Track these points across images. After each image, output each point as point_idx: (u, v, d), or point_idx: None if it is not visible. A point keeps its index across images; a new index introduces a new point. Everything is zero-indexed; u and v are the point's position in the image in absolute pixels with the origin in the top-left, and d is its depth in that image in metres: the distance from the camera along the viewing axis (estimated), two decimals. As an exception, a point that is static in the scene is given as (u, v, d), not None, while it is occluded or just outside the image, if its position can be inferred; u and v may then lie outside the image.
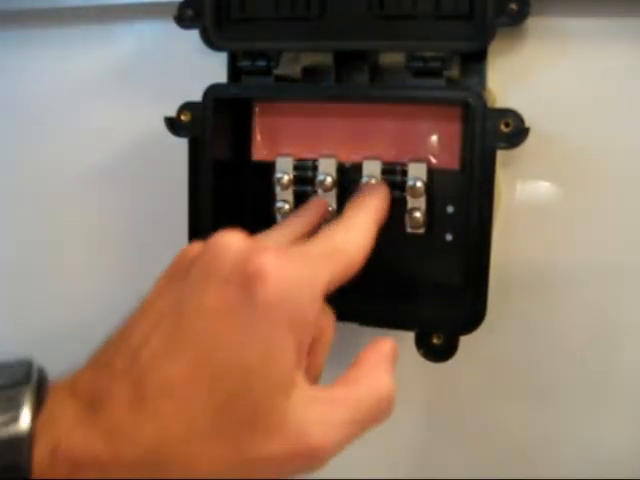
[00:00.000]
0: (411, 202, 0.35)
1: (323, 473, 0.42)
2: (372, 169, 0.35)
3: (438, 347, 0.34)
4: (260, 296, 0.23)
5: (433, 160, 0.35)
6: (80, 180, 0.46)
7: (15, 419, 0.22)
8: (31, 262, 0.48)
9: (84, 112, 0.45)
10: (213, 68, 0.38)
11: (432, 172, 0.35)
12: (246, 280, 0.24)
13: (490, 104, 0.32)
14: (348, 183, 0.36)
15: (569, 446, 0.37)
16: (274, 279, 0.23)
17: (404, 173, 0.35)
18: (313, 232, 0.33)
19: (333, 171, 0.36)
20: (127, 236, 0.45)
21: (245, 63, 0.36)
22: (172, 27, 0.36)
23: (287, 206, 0.37)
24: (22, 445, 0.21)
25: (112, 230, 0.45)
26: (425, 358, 0.34)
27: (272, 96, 0.37)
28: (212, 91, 0.35)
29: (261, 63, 0.36)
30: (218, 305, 0.23)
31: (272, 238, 0.31)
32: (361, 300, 0.34)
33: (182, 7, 0.36)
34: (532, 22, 0.33)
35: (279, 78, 0.36)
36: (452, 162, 0.35)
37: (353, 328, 0.34)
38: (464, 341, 0.34)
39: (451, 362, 0.34)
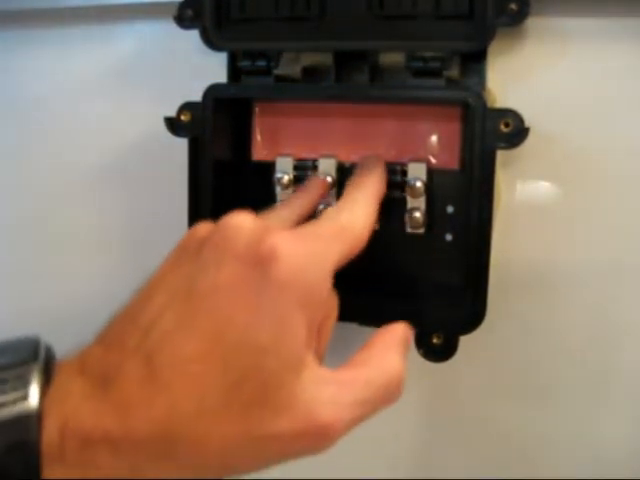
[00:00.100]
0: (411, 202, 0.35)
1: (324, 473, 0.42)
2: (372, 169, 0.35)
3: (438, 347, 0.34)
4: (273, 275, 0.24)
5: (433, 160, 0.35)
6: (80, 180, 0.46)
7: (24, 397, 0.22)
8: (31, 262, 0.48)
9: (84, 112, 0.45)
10: (213, 68, 0.38)
11: (432, 172, 0.35)
12: (259, 260, 0.24)
13: (490, 104, 0.32)
14: (348, 183, 0.36)
15: (569, 446, 0.37)
16: (286, 259, 0.24)
17: (404, 173, 0.35)
18: (314, 211, 0.33)
19: (333, 171, 0.36)
20: (127, 236, 0.45)
21: (245, 63, 0.36)
22: (172, 27, 0.36)
23: (287, 206, 0.37)
24: (31, 422, 0.21)
25: (112, 230, 0.45)
26: (425, 358, 0.34)
27: (272, 96, 0.37)
28: (212, 91, 0.35)
29: (261, 63, 0.36)
30: (231, 283, 0.24)
31: (275, 218, 0.31)
32: (361, 300, 0.34)
33: (182, 7, 0.36)
34: (532, 22, 0.33)
35: (279, 78, 0.36)
36: (452, 162, 0.35)
37: (353, 328, 0.34)
38: (464, 341, 0.34)
39: (451, 362, 0.34)
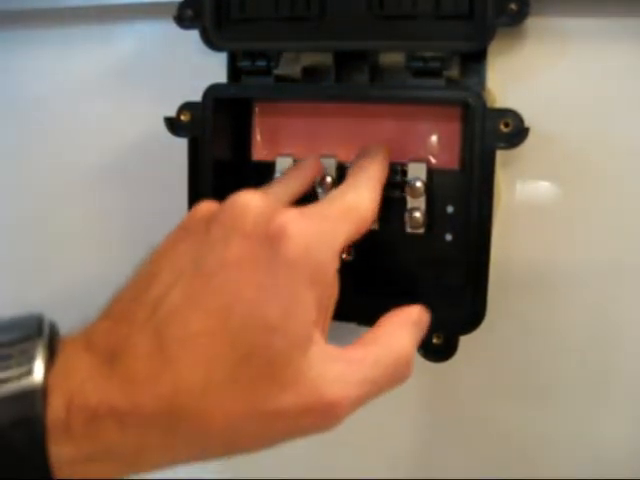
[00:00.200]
0: (411, 202, 0.35)
1: (324, 473, 0.42)
2: (372, 169, 0.35)
3: (438, 347, 0.34)
4: (282, 253, 0.24)
5: (433, 160, 0.35)
6: (80, 180, 0.46)
7: (28, 372, 0.22)
8: (31, 262, 0.48)
9: (84, 112, 0.45)
10: (213, 68, 0.38)
11: (432, 172, 0.35)
12: (268, 237, 0.24)
13: (490, 104, 0.32)
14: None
15: (569, 446, 0.37)
16: (296, 237, 0.24)
17: (404, 173, 0.35)
18: (307, 191, 0.33)
19: (333, 171, 0.36)
20: (127, 236, 0.45)
21: (245, 63, 0.36)
22: (172, 27, 0.36)
23: (287, 206, 0.37)
24: (36, 397, 0.21)
25: (112, 230, 0.45)
26: (425, 358, 0.34)
27: (272, 96, 0.37)
28: (212, 91, 0.35)
29: (261, 63, 0.36)
30: (240, 260, 0.24)
31: (272, 195, 0.31)
32: (361, 300, 0.34)
33: (182, 7, 0.36)
34: (532, 22, 0.33)
35: (279, 78, 0.36)
36: (452, 162, 0.35)
37: (352, 328, 0.34)
38: (464, 341, 0.34)
39: (451, 362, 0.34)
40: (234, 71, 0.38)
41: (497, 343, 0.37)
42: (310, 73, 0.37)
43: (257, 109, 0.39)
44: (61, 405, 0.21)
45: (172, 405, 0.22)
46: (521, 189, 0.36)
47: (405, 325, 0.27)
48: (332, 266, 0.25)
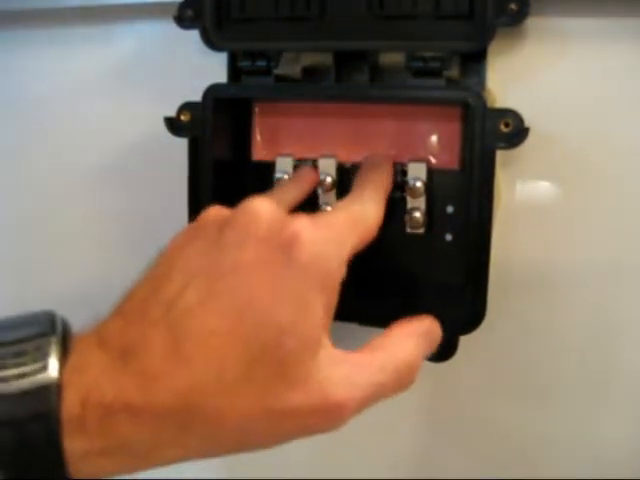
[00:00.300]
0: (411, 202, 0.35)
1: (324, 473, 0.42)
2: (372, 169, 0.35)
3: (438, 347, 0.34)
4: (294, 258, 0.25)
5: (433, 160, 0.35)
6: (80, 180, 0.46)
7: (44, 368, 0.22)
8: (31, 262, 0.48)
9: (84, 112, 0.45)
10: (213, 68, 0.38)
11: (432, 172, 0.35)
12: (281, 243, 0.25)
13: (490, 104, 0.32)
14: (348, 183, 0.36)
15: (569, 446, 0.37)
16: (308, 244, 0.25)
17: (404, 173, 0.35)
18: (305, 199, 0.35)
19: (333, 171, 0.36)
20: (127, 236, 0.45)
21: (245, 63, 0.36)
22: (172, 27, 0.36)
23: (287, 206, 0.37)
24: (51, 393, 0.22)
25: (112, 230, 0.45)
26: (425, 358, 0.34)
27: (272, 96, 0.37)
28: (212, 91, 0.35)
29: (261, 63, 0.36)
30: (255, 262, 0.25)
31: (279, 201, 0.31)
32: (361, 300, 0.34)
33: (182, 7, 0.36)
34: (532, 22, 0.33)
35: (279, 78, 0.36)
36: (452, 162, 0.35)
37: (353, 328, 0.34)
38: (464, 341, 0.34)
39: (451, 362, 0.34)
40: (234, 71, 0.38)
41: (497, 343, 0.37)
42: (310, 73, 0.37)
43: (257, 109, 0.39)
44: (76, 401, 0.22)
45: (186, 402, 0.22)
46: (521, 189, 0.36)
47: (414, 334, 0.28)
48: (339, 273, 0.26)
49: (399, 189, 0.35)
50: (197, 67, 0.40)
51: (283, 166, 0.37)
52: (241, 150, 0.39)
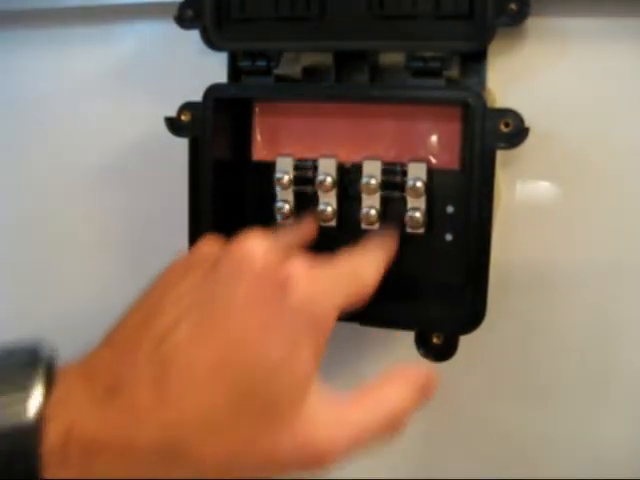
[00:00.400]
0: (411, 202, 0.35)
1: (324, 472, 0.42)
2: (372, 169, 0.35)
3: (438, 347, 0.34)
4: (288, 297, 0.24)
5: (433, 160, 0.35)
6: (80, 180, 0.46)
7: (25, 402, 0.22)
8: (31, 262, 0.48)
9: (84, 112, 0.45)
10: (213, 68, 0.38)
11: (432, 172, 0.35)
12: (276, 283, 0.25)
13: (490, 104, 0.32)
14: (348, 183, 0.36)
15: (569, 446, 0.37)
16: (302, 286, 0.25)
17: (404, 173, 0.35)
18: (303, 248, 0.34)
19: (333, 171, 0.36)
20: (127, 236, 0.45)
21: (245, 63, 0.36)
22: (172, 27, 0.36)
23: (287, 206, 0.37)
24: (31, 428, 0.21)
25: (112, 230, 0.45)
26: (425, 358, 0.34)
27: (272, 96, 0.37)
28: (212, 91, 0.35)
29: (261, 63, 0.36)
30: (247, 301, 0.24)
31: (276, 241, 0.31)
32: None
33: (182, 7, 0.36)
34: (532, 22, 0.33)
35: (279, 78, 0.36)
36: (452, 162, 0.35)
37: (353, 328, 0.34)
38: (464, 341, 0.34)
39: (451, 362, 0.34)
40: (234, 71, 0.38)
41: (497, 343, 0.37)
42: (310, 73, 0.37)
43: (257, 109, 0.39)
44: (59, 435, 0.21)
45: (172, 439, 0.22)
46: (521, 189, 0.36)
47: (408, 386, 0.28)
48: (332, 319, 0.26)
49: (399, 189, 0.35)
50: (197, 67, 0.40)
51: (283, 166, 0.37)
52: (241, 150, 0.39)
